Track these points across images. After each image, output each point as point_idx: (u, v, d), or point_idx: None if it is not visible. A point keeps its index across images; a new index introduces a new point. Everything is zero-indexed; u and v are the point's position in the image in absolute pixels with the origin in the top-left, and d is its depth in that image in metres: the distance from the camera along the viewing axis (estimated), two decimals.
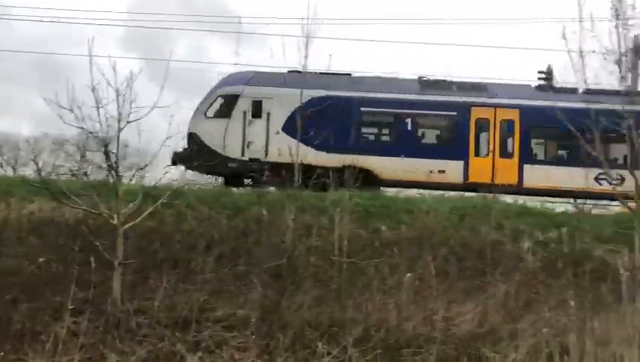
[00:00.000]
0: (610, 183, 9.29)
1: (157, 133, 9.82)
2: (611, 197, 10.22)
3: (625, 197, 9.71)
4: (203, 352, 7.83)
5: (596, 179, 12.03)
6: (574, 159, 12.62)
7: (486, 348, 7.81)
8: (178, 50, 37.64)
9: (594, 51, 9.44)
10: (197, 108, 15.06)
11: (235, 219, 10.63)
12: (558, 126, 11.69)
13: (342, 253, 9.35)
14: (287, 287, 8.66)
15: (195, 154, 13.47)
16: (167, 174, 10.03)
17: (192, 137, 14.60)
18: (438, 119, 14.71)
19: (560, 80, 13.16)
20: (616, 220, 10.62)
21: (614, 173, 9.45)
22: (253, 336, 7.91)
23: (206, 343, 7.94)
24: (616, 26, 9.37)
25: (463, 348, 7.95)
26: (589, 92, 9.99)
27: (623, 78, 9.57)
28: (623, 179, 9.16)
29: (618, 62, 9.41)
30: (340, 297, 8.79)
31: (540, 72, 16.10)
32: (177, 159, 13.92)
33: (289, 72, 14.78)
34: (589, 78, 9.69)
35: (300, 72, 13.33)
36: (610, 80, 9.83)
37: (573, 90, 13.10)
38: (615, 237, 10.11)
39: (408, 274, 9.27)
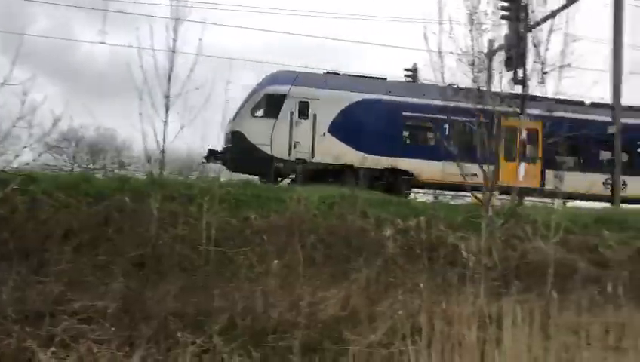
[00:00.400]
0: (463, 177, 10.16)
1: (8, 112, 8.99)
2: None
3: (474, 189, 10.72)
4: (57, 347, 7.34)
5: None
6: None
7: (348, 331, 8.16)
8: (39, 25, 34.81)
9: (451, 52, 10.25)
10: (241, 107, 15.05)
11: (96, 207, 10.11)
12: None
13: (210, 242, 9.27)
14: (150, 277, 8.41)
15: (240, 153, 13.69)
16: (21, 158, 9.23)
17: (236, 135, 14.51)
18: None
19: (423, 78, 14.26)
20: (468, 209, 11.58)
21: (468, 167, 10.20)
22: (113, 328, 7.58)
23: (60, 337, 7.47)
24: (471, 31, 10.24)
25: (327, 332, 8.24)
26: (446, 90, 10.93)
27: (475, 78, 10.44)
28: (475, 174, 10.06)
29: (471, 64, 10.31)
30: (207, 286, 8.72)
31: (405, 70, 17.21)
32: (214, 157, 13.89)
33: (327, 72, 15.60)
34: (447, 77, 10.51)
35: (337, 73, 14.45)
36: (465, 80, 10.72)
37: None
38: (466, 225, 11.03)
39: (276, 261, 9.43)
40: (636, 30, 20.15)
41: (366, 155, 14.98)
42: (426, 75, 11.81)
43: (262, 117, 15.29)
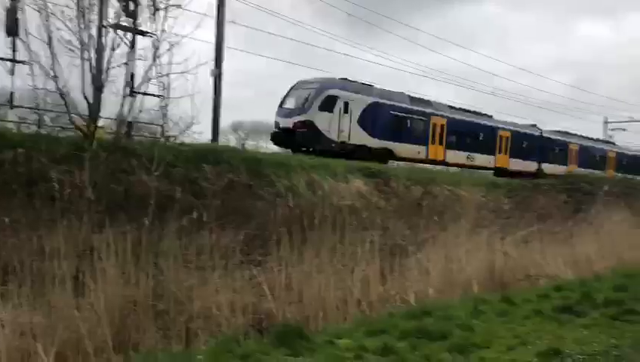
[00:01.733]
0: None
1: None
2: None
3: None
4: None
5: None
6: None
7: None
8: None
9: None
10: (311, 102, 21.23)
11: None
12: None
13: None
14: None
15: (311, 137, 20.79)
16: None
17: (308, 124, 20.88)
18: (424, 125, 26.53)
19: None
20: (72, 143, 11.03)
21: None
22: None
23: None
24: None
25: None
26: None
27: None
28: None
29: None
30: None
31: None
32: (286, 137, 21.19)
33: (363, 83, 23.87)
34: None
35: (365, 84, 23.78)
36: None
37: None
38: (70, 158, 10.58)
39: None
40: None
41: (375, 139, 23.45)
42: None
43: (324, 111, 21.62)
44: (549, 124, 36.28)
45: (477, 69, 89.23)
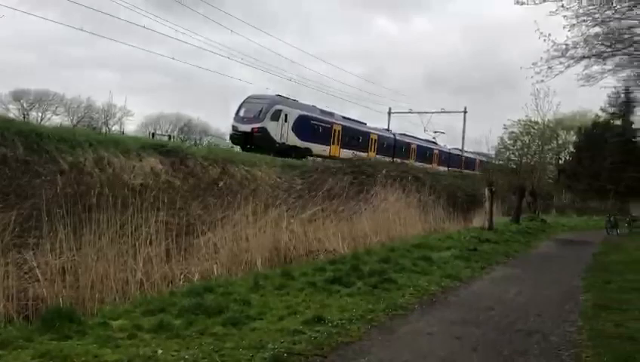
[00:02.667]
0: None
1: None
2: None
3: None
4: None
5: None
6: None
7: None
8: None
9: None
10: (265, 114, 29.22)
11: None
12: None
13: None
14: None
15: (265, 139, 28.51)
16: None
17: (262, 130, 28.67)
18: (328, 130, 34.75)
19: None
20: None
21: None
22: None
23: None
24: None
25: None
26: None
27: None
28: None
29: None
30: None
31: None
32: (246, 139, 28.77)
33: (293, 99, 33.28)
34: None
35: (295, 100, 33.32)
36: None
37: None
38: None
39: None
40: None
41: (303, 141, 31.45)
42: None
43: (274, 120, 29.48)
44: (344, 112, 42.67)
45: (279, 55, 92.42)
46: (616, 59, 13.20)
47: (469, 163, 52.69)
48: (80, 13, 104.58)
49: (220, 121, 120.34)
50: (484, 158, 41.68)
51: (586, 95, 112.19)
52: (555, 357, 6.42)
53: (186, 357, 5.58)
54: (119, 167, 14.88)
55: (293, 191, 20.08)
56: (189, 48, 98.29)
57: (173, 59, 78.52)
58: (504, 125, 32.34)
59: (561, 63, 12.50)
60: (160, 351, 5.67)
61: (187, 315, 6.97)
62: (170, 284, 9.15)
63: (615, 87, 41.04)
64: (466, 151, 53.56)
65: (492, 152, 34.29)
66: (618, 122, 52.28)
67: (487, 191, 24.83)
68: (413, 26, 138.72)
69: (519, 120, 31.60)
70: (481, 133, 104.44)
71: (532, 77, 12.94)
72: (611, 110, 52.44)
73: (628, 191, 46.48)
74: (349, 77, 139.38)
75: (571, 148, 59.10)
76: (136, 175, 15.07)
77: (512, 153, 32.06)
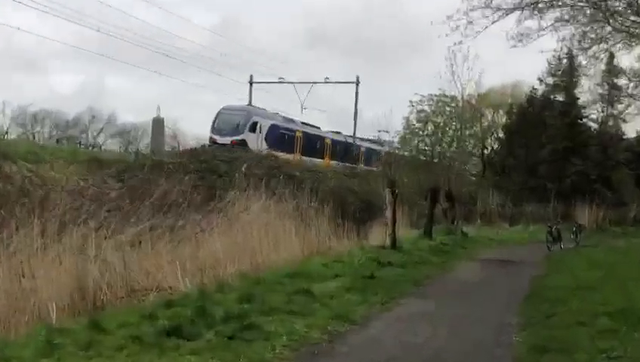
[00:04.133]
0: None
1: None
2: None
3: None
4: None
5: None
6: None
7: None
8: None
9: None
10: (244, 126, 48.23)
11: None
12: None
13: None
14: None
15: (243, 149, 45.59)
16: None
17: (241, 141, 46.69)
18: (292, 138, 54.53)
19: None
20: None
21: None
22: None
23: None
24: None
25: None
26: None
27: None
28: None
29: None
30: None
31: None
32: (229, 149, 43.58)
33: (262, 108, 53.79)
34: None
35: (266, 110, 54.11)
36: None
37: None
38: None
39: None
40: None
41: (275, 150, 48.12)
42: None
43: (251, 132, 48.42)
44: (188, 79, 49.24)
45: None
46: (556, 12, 14.04)
47: (370, 156, 57.93)
48: None
49: None
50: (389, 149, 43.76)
51: (521, 67, 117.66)
52: None
53: None
54: None
55: (107, 200, 19.62)
56: None
57: None
58: (410, 101, 33.17)
59: (485, 17, 13.17)
60: None
61: None
62: None
63: (556, 51, 44.31)
64: (365, 140, 56.25)
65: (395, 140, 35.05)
66: (560, 97, 54.99)
67: (387, 195, 24.99)
68: None
69: (430, 95, 32.95)
70: (382, 114, 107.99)
71: (447, 35, 13.51)
72: (552, 81, 55.00)
73: (573, 191, 48.10)
74: (194, 30, 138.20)
75: (500, 133, 62.21)
76: None
77: (422, 140, 33.35)
